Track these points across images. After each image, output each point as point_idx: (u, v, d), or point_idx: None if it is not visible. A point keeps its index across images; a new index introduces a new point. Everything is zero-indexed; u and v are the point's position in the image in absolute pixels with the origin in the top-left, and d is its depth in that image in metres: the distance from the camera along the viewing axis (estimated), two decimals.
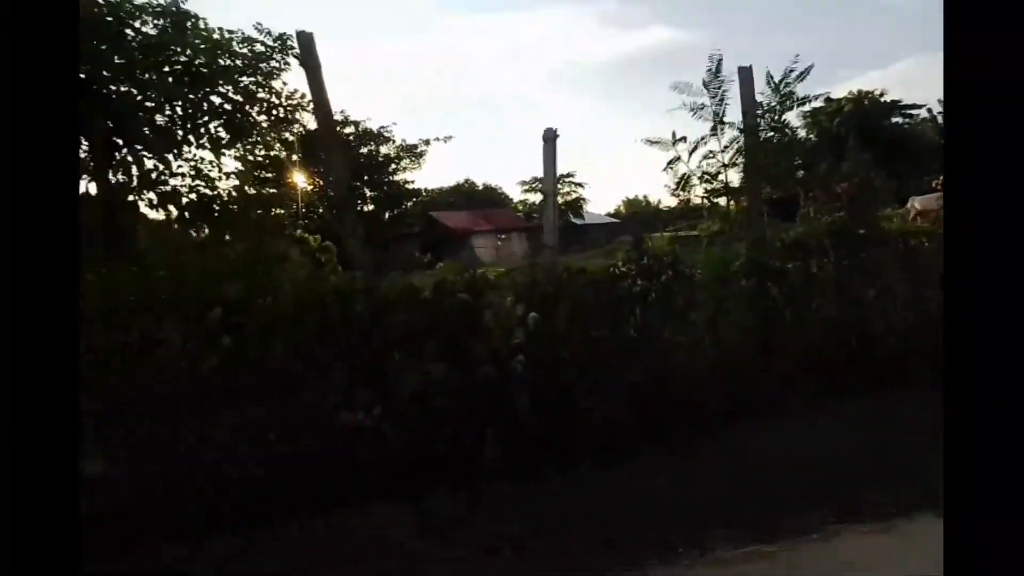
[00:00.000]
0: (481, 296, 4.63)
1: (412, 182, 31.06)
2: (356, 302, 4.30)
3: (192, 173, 3.92)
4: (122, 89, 3.88)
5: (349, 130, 23.90)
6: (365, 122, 26.76)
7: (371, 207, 28.99)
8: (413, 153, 28.56)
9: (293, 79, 5.16)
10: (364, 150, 26.19)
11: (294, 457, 4.54)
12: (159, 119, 3.92)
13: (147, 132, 3.74)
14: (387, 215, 31.01)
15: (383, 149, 28.19)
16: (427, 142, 28.59)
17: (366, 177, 27.46)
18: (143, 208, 3.93)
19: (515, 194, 50.28)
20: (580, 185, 42.01)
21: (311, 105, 4.69)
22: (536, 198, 38.15)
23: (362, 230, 3.95)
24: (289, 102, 4.65)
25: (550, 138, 4.61)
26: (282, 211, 4.27)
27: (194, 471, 3.88)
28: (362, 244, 3.87)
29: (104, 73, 3.75)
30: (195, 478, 3.91)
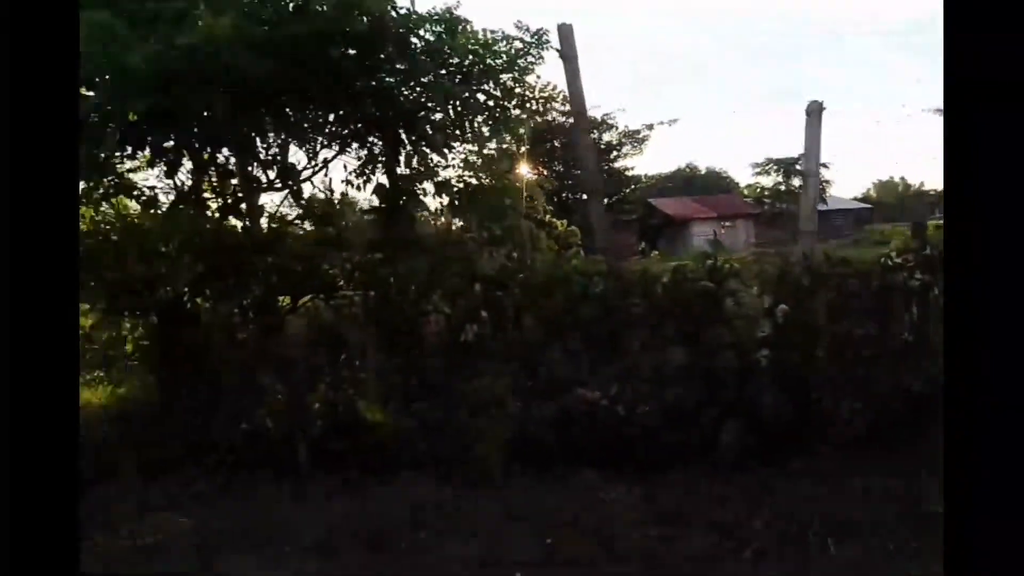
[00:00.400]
0: (723, 284, 4.48)
1: (632, 168, 30.84)
2: (597, 283, 4.48)
3: (462, 165, 4.44)
4: (404, 91, 4.52)
5: (573, 120, 24.60)
6: (589, 111, 27.24)
7: (586, 196, 29.48)
8: (635, 139, 28.34)
9: (543, 71, 5.49)
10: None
11: (533, 424, 4.92)
12: (437, 117, 4.50)
13: (429, 130, 4.32)
14: (605, 202, 31.23)
15: (605, 136, 28.44)
16: (650, 127, 28.14)
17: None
18: (423, 198, 4.58)
19: (743, 178, 46.71)
20: (824, 166, 37.46)
21: (561, 96, 4.93)
22: (768, 182, 35.03)
23: (606, 216, 4.07)
24: (541, 95, 4.96)
25: (815, 111, 4.21)
26: (532, 197, 4.60)
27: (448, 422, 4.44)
28: (607, 229, 4.00)
29: (389, 80, 4.41)
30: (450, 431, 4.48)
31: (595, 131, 27.58)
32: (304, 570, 3.68)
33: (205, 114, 3.62)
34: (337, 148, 4.93)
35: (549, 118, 22.69)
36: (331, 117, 4.48)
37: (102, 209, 4.99)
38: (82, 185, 4.76)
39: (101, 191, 4.59)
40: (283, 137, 4.28)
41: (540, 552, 3.77)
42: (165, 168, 4.47)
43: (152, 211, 4.48)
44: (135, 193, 4.67)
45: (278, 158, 4.74)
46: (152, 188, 4.63)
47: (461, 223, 4.47)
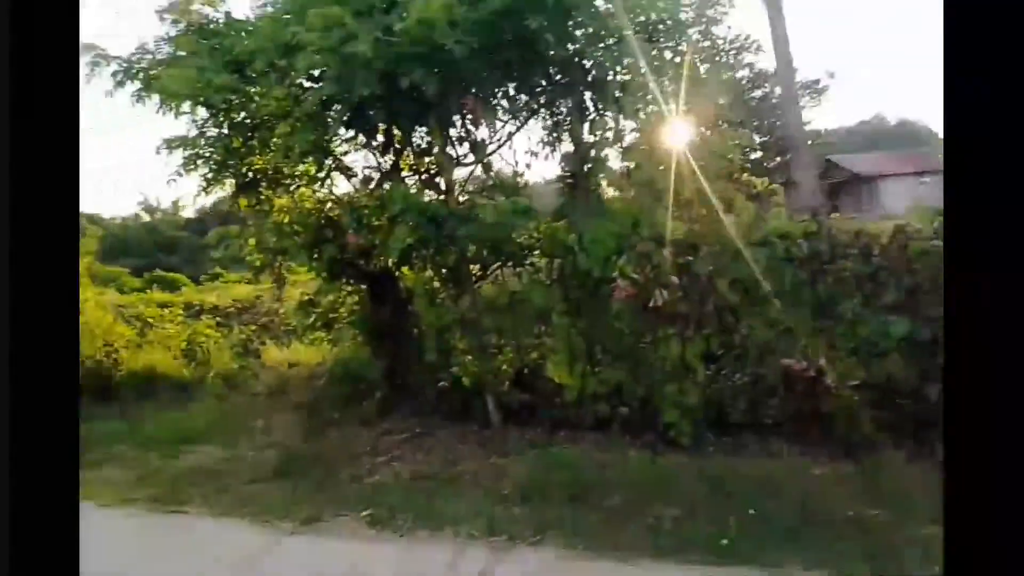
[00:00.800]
0: None
1: (808, 123, 27.77)
2: (801, 245, 4.16)
3: (649, 126, 4.32)
4: (589, 55, 4.46)
5: (742, 73, 22.67)
6: (758, 62, 25.00)
7: (759, 154, 27.16)
8: (814, 90, 25.50)
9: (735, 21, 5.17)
10: (757, 93, 24.53)
11: (726, 392, 4.76)
12: (623, 79, 4.41)
13: (616, 93, 4.25)
14: (777, 161, 28.63)
15: (778, 89, 25.94)
16: (832, 75, 25.14)
17: (756, 122, 25.76)
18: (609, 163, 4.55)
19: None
20: None
21: (754, 45, 4.59)
22: None
23: (815, 172, 3.72)
24: (732, 46, 4.66)
25: None
26: (727, 155, 4.35)
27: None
28: (814, 185, 3.66)
29: (573, 46, 4.38)
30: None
31: (766, 83, 25.22)
32: (510, 516, 3.96)
33: (413, 95, 3.89)
34: (523, 118, 5.05)
35: (742, 70, 21.22)
36: (520, 88, 4.59)
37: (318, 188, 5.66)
38: (302, 167, 5.44)
39: (324, 172, 5.19)
40: (477, 113, 4.47)
41: (743, 521, 3.67)
42: (380, 148, 4.93)
43: (368, 189, 4.97)
44: (349, 173, 5.21)
45: (468, 133, 4.98)
46: (368, 167, 5.13)
47: (649, 186, 4.37)
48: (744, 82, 22.92)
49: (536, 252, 5.08)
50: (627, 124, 4.29)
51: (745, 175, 4.41)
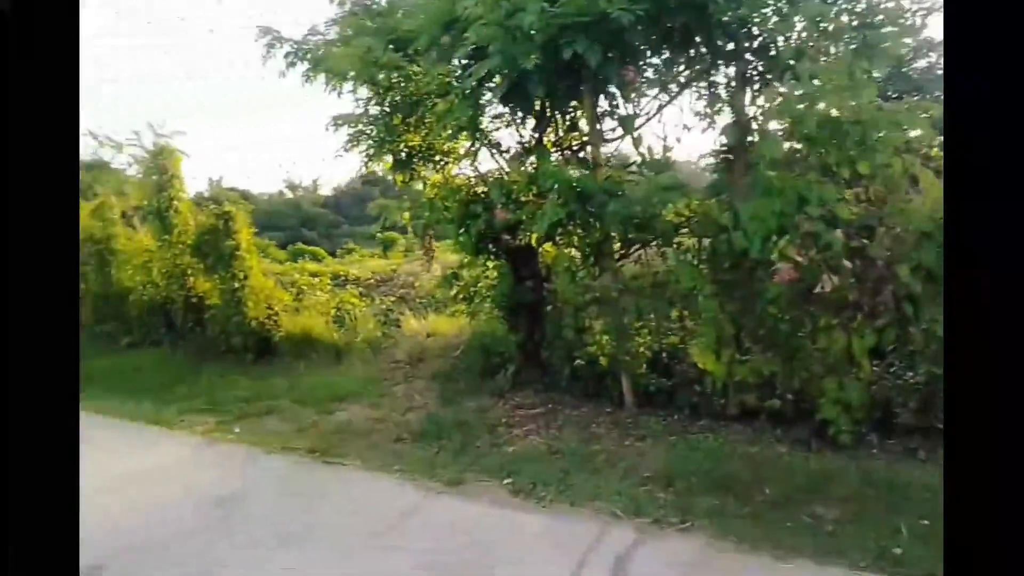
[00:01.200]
0: None
1: None
2: None
3: (822, 95, 3.96)
4: (755, 18, 4.16)
5: (907, 40, 20.17)
6: (923, 30, 22.08)
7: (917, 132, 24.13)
8: None
9: None
10: (922, 63, 21.89)
11: (897, 391, 4.36)
12: (793, 43, 4.07)
13: (789, 60, 3.94)
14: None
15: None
16: None
17: (916, 96, 22.88)
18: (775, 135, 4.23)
19: None
20: None
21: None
22: None
23: None
24: (920, 7, 4.15)
25: None
26: (909, 127, 3.89)
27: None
28: None
29: (738, 11, 4.09)
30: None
31: (931, 54, 22.43)
32: (654, 499, 3.89)
33: (575, 67, 3.83)
34: (675, 91, 4.84)
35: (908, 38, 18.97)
36: (678, 58, 4.39)
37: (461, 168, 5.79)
38: (448, 145, 5.58)
39: (475, 148, 5.30)
40: (635, 84, 4.33)
41: (915, 531, 3.35)
42: (534, 124, 4.95)
43: (517, 164, 5.02)
44: (502, 149, 5.28)
45: (616, 106, 4.86)
46: (519, 143, 5.18)
47: (819, 162, 4.01)
48: (906, 52, 20.43)
49: (684, 231, 4.88)
50: (796, 93, 3.94)
51: (934, 150, 3.93)
